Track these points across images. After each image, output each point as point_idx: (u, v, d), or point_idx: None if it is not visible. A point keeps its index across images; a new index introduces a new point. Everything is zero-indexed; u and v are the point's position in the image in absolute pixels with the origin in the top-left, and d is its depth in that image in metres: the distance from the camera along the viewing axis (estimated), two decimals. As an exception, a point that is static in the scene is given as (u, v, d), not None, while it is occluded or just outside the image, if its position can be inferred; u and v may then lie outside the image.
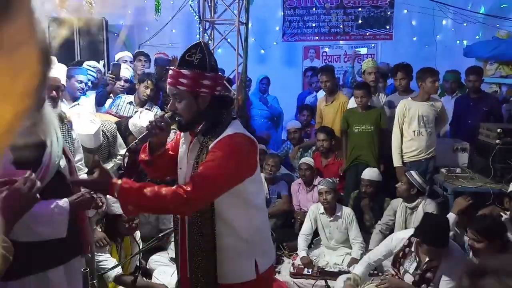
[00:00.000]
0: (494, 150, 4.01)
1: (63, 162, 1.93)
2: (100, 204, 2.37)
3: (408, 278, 3.01)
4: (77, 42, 6.65)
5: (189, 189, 1.69)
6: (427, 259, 2.93)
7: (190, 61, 1.80)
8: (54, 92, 2.30)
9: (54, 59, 2.62)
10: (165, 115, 1.90)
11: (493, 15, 6.05)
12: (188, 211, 1.81)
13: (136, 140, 1.99)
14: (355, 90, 4.54)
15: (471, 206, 3.51)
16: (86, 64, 4.60)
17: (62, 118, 2.26)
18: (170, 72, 1.87)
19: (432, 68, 4.26)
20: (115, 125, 3.47)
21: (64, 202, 1.86)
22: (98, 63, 5.04)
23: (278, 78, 6.61)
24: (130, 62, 5.11)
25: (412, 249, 3.04)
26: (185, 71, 1.80)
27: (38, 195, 1.51)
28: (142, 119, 3.35)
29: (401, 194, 3.80)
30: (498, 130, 4.02)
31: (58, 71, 2.45)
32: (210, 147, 1.82)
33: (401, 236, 3.19)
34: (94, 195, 1.98)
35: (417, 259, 2.98)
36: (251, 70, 6.23)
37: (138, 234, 3.44)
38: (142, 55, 5.30)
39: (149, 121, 1.94)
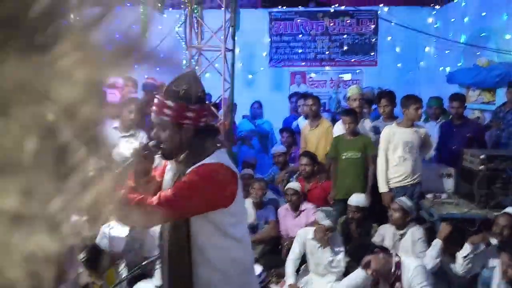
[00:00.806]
0: (478, 176, 4.06)
1: None
2: None
3: None
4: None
5: (153, 203, 1.72)
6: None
7: (176, 92, 1.79)
8: None
9: None
10: (149, 143, 1.90)
11: (473, 45, 6.23)
12: (146, 224, 1.89)
13: (124, 165, 1.96)
14: (343, 116, 4.59)
15: (457, 232, 3.54)
16: None
17: None
18: (155, 100, 1.86)
19: (415, 96, 4.34)
20: None
21: None
22: None
23: (266, 103, 6.66)
24: (120, 88, 5.08)
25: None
26: (169, 102, 1.79)
27: None
28: (122, 147, 3.33)
29: (395, 222, 3.79)
30: (482, 156, 4.07)
31: None
32: (186, 173, 1.83)
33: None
34: None
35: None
36: (238, 95, 6.27)
37: (122, 264, 3.36)
38: (130, 80, 5.29)
39: (133, 149, 1.94)
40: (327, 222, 3.78)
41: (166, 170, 2.04)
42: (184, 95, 1.79)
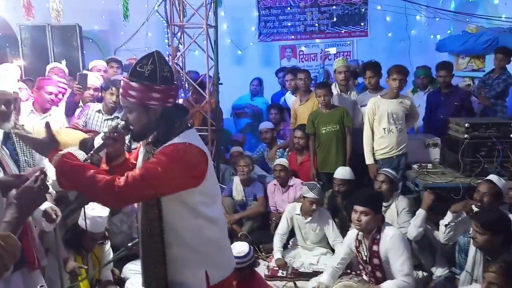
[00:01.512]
0: (462, 144, 4.06)
1: None
2: (54, 217, 2.34)
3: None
4: (50, 49, 6.58)
5: (121, 183, 1.72)
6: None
7: (141, 73, 1.78)
8: (2, 107, 2.26)
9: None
10: (119, 125, 1.90)
11: (460, 12, 6.12)
12: (115, 204, 1.88)
13: (92, 151, 1.97)
14: (316, 89, 4.58)
15: (441, 200, 3.57)
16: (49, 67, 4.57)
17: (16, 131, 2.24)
18: (122, 82, 1.85)
19: (397, 66, 4.28)
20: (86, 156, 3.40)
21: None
22: (60, 63, 4.98)
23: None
24: (104, 71, 5.05)
25: (359, 237, 3.19)
26: (134, 84, 1.79)
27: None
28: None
29: (384, 194, 3.82)
30: (466, 124, 4.07)
31: (9, 83, 2.41)
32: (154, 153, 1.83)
33: (352, 231, 3.30)
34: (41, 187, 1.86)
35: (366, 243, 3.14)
36: (228, 71, 6.22)
37: (108, 245, 3.41)
38: (114, 62, 5.26)
39: (103, 132, 1.96)
40: (311, 194, 3.83)
41: (139, 153, 2.05)
42: (150, 75, 1.78)
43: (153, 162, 1.78)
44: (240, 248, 3.09)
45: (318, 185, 3.98)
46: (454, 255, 3.32)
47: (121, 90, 1.84)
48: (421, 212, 3.47)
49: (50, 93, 4.01)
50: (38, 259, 2.12)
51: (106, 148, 1.96)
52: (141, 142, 2.04)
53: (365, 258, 3.15)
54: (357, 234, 3.22)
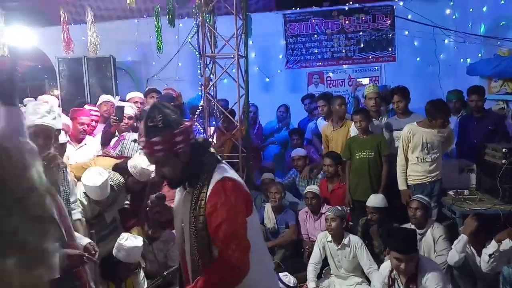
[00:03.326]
0: (501, 170, 3.97)
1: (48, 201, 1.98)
2: (93, 252, 2.42)
3: None
4: (86, 80, 6.87)
5: (228, 254, 1.74)
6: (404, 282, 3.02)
7: (155, 126, 1.82)
8: (39, 140, 2.40)
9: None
10: (154, 199, 1.99)
11: (492, 37, 6.06)
12: (240, 274, 1.78)
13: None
14: (354, 115, 4.58)
15: (483, 226, 3.46)
16: (102, 99, 4.79)
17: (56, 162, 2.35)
18: (142, 143, 1.89)
19: (443, 106, 4.22)
20: (123, 179, 3.50)
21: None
22: (114, 98, 5.22)
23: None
24: (141, 103, 5.19)
25: (392, 275, 3.11)
26: (155, 139, 1.81)
27: None
28: (142, 160, 3.41)
29: (418, 221, 3.74)
30: (504, 150, 3.98)
31: (51, 119, 2.57)
32: (206, 199, 1.84)
33: (386, 265, 3.23)
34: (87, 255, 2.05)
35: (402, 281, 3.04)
36: (257, 98, 6.31)
37: (141, 274, 3.45)
38: (154, 92, 5.42)
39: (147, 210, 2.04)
40: (328, 213, 3.89)
41: (176, 191, 2.08)
42: (165, 125, 1.81)
43: (221, 216, 1.77)
44: (292, 279, 3.09)
45: (338, 207, 4.00)
46: (496, 285, 3.21)
47: (146, 150, 1.87)
48: (463, 238, 3.38)
49: (83, 124, 4.18)
50: (89, 282, 2.25)
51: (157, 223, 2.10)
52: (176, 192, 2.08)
53: None
54: (390, 271, 3.14)
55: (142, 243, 3.23)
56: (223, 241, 1.77)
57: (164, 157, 1.84)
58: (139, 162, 3.48)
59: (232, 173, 1.93)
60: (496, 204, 3.94)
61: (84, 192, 3.37)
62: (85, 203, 3.38)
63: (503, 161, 3.95)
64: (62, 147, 3.42)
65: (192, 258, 1.94)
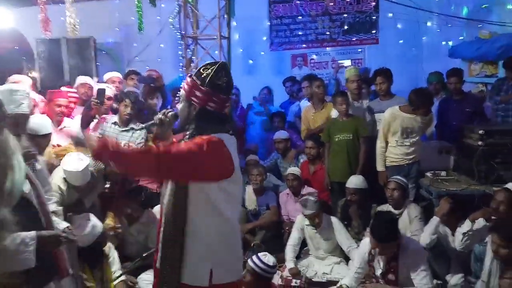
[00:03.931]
0: (477, 152, 4.03)
1: (27, 187, 1.98)
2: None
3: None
4: (66, 62, 6.73)
5: (159, 150, 1.93)
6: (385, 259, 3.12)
7: (199, 73, 2.01)
8: (19, 130, 2.39)
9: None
10: (169, 113, 2.17)
11: (473, 19, 6.10)
12: (155, 172, 1.95)
13: (145, 124, 2.28)
14: (336, 97, 4.58)
15: (458, 207, 3.53)
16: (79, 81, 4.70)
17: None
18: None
19: (428, 95, 4.24)
20: (102, 164, 3.48)
21: (31, 238, 1.88)
22: (92, 78, 5.11)
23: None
24: (119, 82, 5.12)
25: (373, 251, 3.19)
26: (188, 79, 2.05)
27: None
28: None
29: (395, 201, 3.82)
30: (480, 131, 4.03)
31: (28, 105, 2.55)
32: None
33: (366, 241, 3.29)
34: (64, 235, 2.07)
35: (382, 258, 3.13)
36: (240, 81, 6.27)
37: (112, 254, 3.43)
38: (134, 74, 5.32)
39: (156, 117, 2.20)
40: (307, 211, 3.84)
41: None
42: (202, 77, 1.99)
43: (187, 143, 1.96)
44: (271, 258, 3.13)
45: (310, 198, 3.89)
46: (469, 263, 3.29)
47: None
48: (434, 220, 3.45)
49: (60, 105, 4.10)
50: (67, 267, 2.22)
51: (153, 126, 2.22)
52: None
53: (380, 273, 3.13)
54: (371, 249, 3.21)
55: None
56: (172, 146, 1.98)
57: (183, 96, 2.06)
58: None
59: (228, 143, 2.01)
60: (472, 185, 4.01)
61: (63, 178, 3.34)
62: (64, 188, 3.35)
63: (480, 142, 4.01)
64: (46, 138, 3.35)
65: (167, 217, 2.05)
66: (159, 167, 1.89)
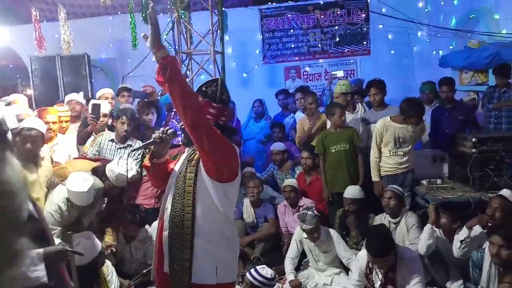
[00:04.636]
0: (471, 159, 4.09)
1: (30, 204, 2.00)
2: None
3: None
4: (60, 79, 6.76)
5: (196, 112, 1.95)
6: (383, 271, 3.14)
7: (205, 92, 2.12)
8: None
9: None
10: (169, 131, 2.22)
11: (462, 30, 6.23)
12: (194, 121, 1.95)
13: (142, 144, 2.30)
14: (330, 109, 4.62)
15: (456, 215, 3.56)
16: (67, 98, 4.69)
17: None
18: None
19: (419, 105, 4.28)
20: (102, 183, 3.49)
21: (39, 254, 1.90)
22: (78, 93, 5.09)
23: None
24: (112, 98, 5.14)
25: (370, 264, 3.22)
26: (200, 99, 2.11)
27: None
28: (120, 166, 3.41)
29: (392, 210, 3.85)
30: (473, 139, 4.10)
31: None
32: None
33: (363, 254, 3.31)
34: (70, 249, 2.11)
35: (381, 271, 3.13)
36: (234, 94, 6.26)
37: (113, 273, 3.42)
38: (125, 91, 5.32)
39: (156, 132, 2.25)
40: (305, 226, 3.83)
41: (180, 160, 2.29)
42: (211, 95, 2.11)
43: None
44: (269, 271, 3.14)
45: (308, 212, 3.88)
46: (468, 270, 3.32)
47: None
48: (427, 227, 3.49)
49: (48, 122, 4.06)
50: (70, 282, 2.27)
51: (151, 145, 2.26)
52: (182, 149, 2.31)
53: (379, 284, 3.14)
54: (368, 262, 3.23)
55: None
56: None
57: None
58: (116, 167, 3.47)
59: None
60: (467, 192, 4.06)
61: (66, 198, 3.34)
62: (64, 208, 3.35)
63: (473, 150, 4.07)
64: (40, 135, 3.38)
65: (174, 214, 2.11)
66: (200, 120, 1.96)
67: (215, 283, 2.08)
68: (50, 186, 3.49)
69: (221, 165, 2.03)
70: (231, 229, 2.22)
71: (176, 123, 4.94)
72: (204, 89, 2.13)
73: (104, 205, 3.83)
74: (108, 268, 3.41)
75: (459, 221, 3.51)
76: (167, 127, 2.25)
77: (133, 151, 3.97)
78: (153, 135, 2.21)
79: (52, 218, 3.29)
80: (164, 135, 2.19)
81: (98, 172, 3.53)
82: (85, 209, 3.39)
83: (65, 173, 3.55)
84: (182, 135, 2.27)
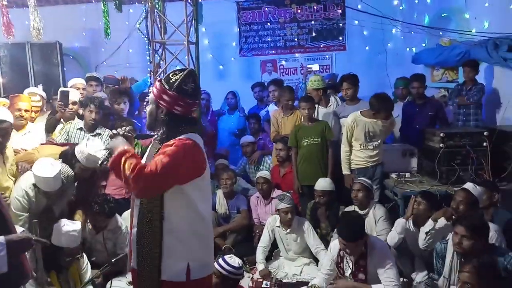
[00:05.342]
0: (438, 154, 4.19)
1: None
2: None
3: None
4: (30, 67, 6.56)
5: (148, 170, 1.91)
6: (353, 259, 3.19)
7: (168, 78, 2.09)
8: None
9: None
10: (128, 128, 2.26)
11: (434, 27, 6.35)
12: (141, 190, 1.95)
13: (107, 145, 2.20)
14: (301, 102, 4.69)
15: (434, 203, 3.65)
16: (27, 91, 4.56)
17: None
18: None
19: (387, 101, 4.34)
20: (72, 171, 3.42)
21: (0, 243, 1.85)
22: (37, 87, 4.97)
23: (238, 92, 6.66)
24: (83, 89, 5.05)
25: (341, 253, 3.27)
26: (157, 83, 2.11)
27: None
28: (89, 146, 3.35)
29: (361, 202, 3.92)
30: (441, 134, 4.21)
31: None
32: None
33: (334, 243, 3.36)
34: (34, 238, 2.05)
35: (351, 259, 3.20)
36: (210, 86, 6.30)
37: (85, 261, 3.39)
38: (93, 80, 5.24)
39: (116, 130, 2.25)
40: (282, 205, 3.90)
41: (149, 148, 2.27)
42: (170, 82, 2.06)
43: (163, 152, 1.97)
44: (237, 260, 3.15)
45: (287, 194, 4.04)
46: (432, 261, 3.41)
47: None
48: (401, 221, 3.57)
49: (20, 109, 4.00)
50: (31, 270, 2.22)
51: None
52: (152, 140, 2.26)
53: (350, 273, 3.19)
54: (339, 250, 3.27)
55: (79, 227, 3.18)
56: (152, 162, 1.96)
57: (152, 99, 2.14)
58: (86, 148, 3.41)
59: (197, 140, 2.08)
60: (434, 185, 4.17)
61: (33, 184, 3.27)
62: (31, 194, 3.28)
63: (441, 145, 4.18)
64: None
65: (141, 213, 2.09)
66: (149, 182, 1.92)
67: (185, 280, 2.06)
68: (21, 171, 3.43)
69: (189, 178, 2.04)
70: (204, 225, 2.15)
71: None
72: (169, 75, 2.10)
73: (74, 193, 3.76)
74: (84, 260, 3.37)
75: (434, 210, 3.57)
76: (127, 127, 2.28)
77: (100, 136, 3.93)
78: (111, 133, 2.25)
79: (19, 204, 3.23)
80: (126, 134, 2.21)
81: (68, 155, 3.45)
82: (52, 196, 3.31)
83: (32, 159, 3.48)
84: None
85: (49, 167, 3.23)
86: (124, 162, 1.93)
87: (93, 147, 3.34)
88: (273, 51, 8.06)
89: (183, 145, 2.00)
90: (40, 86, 4.92)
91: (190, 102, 2.09)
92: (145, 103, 4.85)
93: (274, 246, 4.18)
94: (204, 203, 2.14)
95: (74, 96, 4.36)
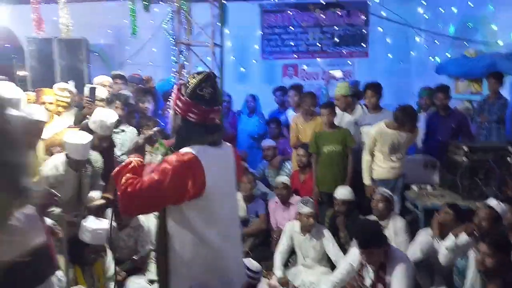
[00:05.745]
0: (461, 167, 4.15)
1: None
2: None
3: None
4: (57, 62, 6.68)
5: (137, 187, 1.86)
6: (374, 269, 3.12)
7: (185, 83, 2.01)
8: None
9: None
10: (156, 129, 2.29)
11: (459, 38, 6.29)
12: (123, 207, 1.91)
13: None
14: (322, 109, 4.67)
15: (461, 215, 3.60)
16: (56, 86, 4.65)
17: None
18: None
19: (414, 114, 4.32)
20: (102, 159, 3.59)
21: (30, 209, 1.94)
22: (67, 83, 5.05)
23: (259, 96, 6.69)
24: (109, 86, 5.12)
25: (362, 261, 3.21)
26: (175, 87, 2.04)
27: None
28: (99, 113, 3.64)
29: (380, 213, 3.89)
30: (465, 148, 4.16)
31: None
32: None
33: (356, 250, 3.32)
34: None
35: (372, 268, 3.15)
36: (231, 88, 6.35)
37: (109, 257, 3.44)
38: (118, 78, 5.31)
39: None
40: (306, 209, 3.90)
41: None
42: (185, 88, 1.98)
43: (156, 170, 1.89)
44: (255, 263, 3.16)
45: (311, 199, 4.04)
46: (452, 276, 3.37)
47: None
48: (427, 237, 3.50)
49: (44, 103, 4.10)
50: (57, 261, 2.32)
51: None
52: None
53: (369, 283, 3.18)
54: (361, 261, 3.25)
55: (107, 226, 3.22)
56: (144, 178, 1.91)
57: (171, 106, 2.04)
58: (98, 115, 3.63)
59: (201, 156, 1.92)
60: (456, 200, 4.12)
61: (64, 157, 3.40)
62: (61, 168, 3.37)
63: (464, 158, 4.14)
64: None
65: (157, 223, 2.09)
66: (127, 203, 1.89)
67: None
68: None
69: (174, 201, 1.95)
70: (209, 250, 1.96)
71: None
72: (189, 78, 2.01)
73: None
74: (108, 257, 3.43)
75: (460, 223, 3.51)
76: (157, 128, 2.32)
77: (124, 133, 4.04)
78: (137, 141, 2.22)
79: (48, 179, 3.30)
80: (154, 135, 2.24)
81: (83, 129, 3.66)
82: (82, 167, 3.44)
83: (60, 140, 3.64)
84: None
85: (81, 134, 3.42)
86: (123, 176, 1.91)
87: (105, 114, 3.61)
88: (295, 55, 8.08)
89: (178, 163, 1.87)
90: (71, 82, 5.00)
91: (206, 109, 1.94)
92: (168, 103, 4.91)
93: (291, 253, 4.18)
94: (209, 226, 1.95)
95: (101, 93, 4.43)
